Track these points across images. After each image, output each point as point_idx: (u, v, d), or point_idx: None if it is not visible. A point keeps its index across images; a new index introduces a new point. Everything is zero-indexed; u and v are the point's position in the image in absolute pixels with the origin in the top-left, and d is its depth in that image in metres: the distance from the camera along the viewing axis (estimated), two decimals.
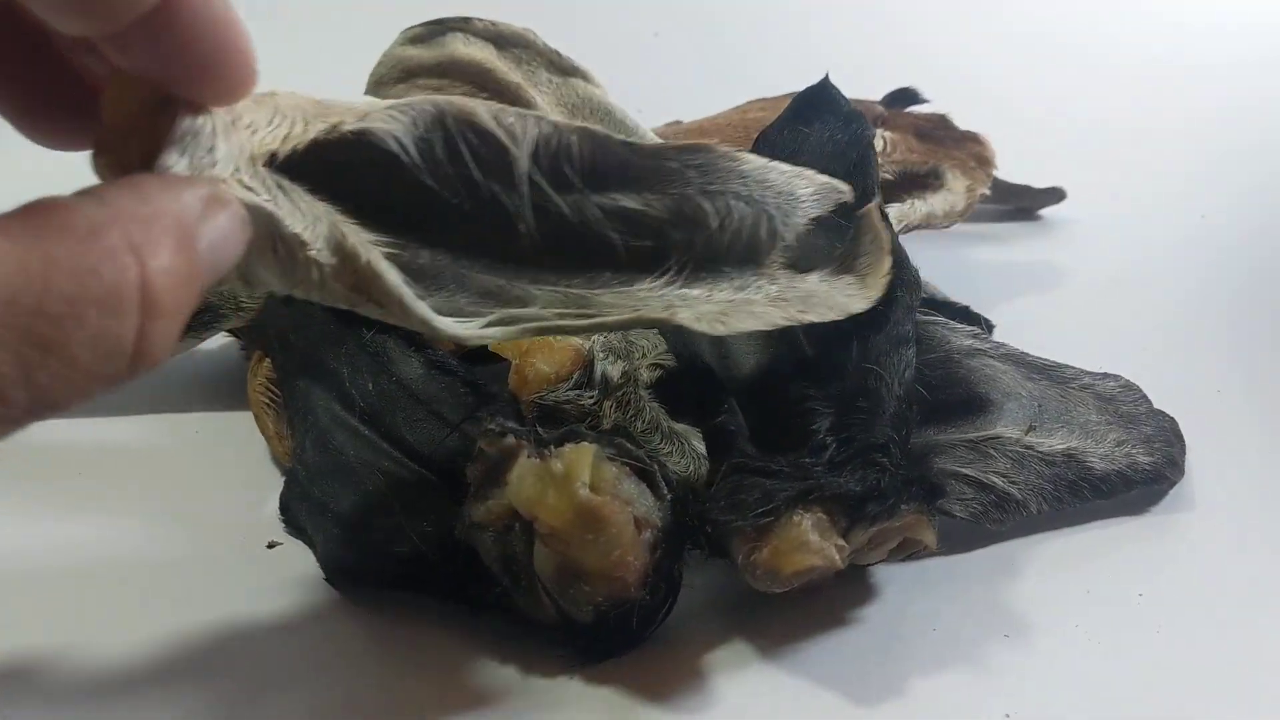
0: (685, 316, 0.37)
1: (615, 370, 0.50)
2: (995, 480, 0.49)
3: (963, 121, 0.71)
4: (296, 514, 0.50)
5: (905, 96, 0.72)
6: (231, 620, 0.46)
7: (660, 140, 0.65)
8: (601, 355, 0.51)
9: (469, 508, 0.42)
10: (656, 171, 0.37)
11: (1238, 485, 0.53)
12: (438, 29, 0.67)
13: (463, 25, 0.67)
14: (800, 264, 0.41)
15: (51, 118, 0.34)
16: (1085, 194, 0.82)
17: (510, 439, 0.41)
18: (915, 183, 0.66)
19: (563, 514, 0.39)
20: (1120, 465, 0.51)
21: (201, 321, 0.58)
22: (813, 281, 0.41)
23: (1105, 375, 0.55)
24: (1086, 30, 1.06)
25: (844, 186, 0.41)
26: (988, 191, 0.69)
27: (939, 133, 0.69)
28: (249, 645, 0.45)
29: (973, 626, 0.45)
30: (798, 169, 0.41)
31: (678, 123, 0.76)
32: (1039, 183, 0.82)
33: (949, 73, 0.84)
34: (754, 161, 0.39)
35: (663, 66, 1.01)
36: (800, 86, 0.71)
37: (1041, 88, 0.98)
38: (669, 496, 0.42)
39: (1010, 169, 0.76)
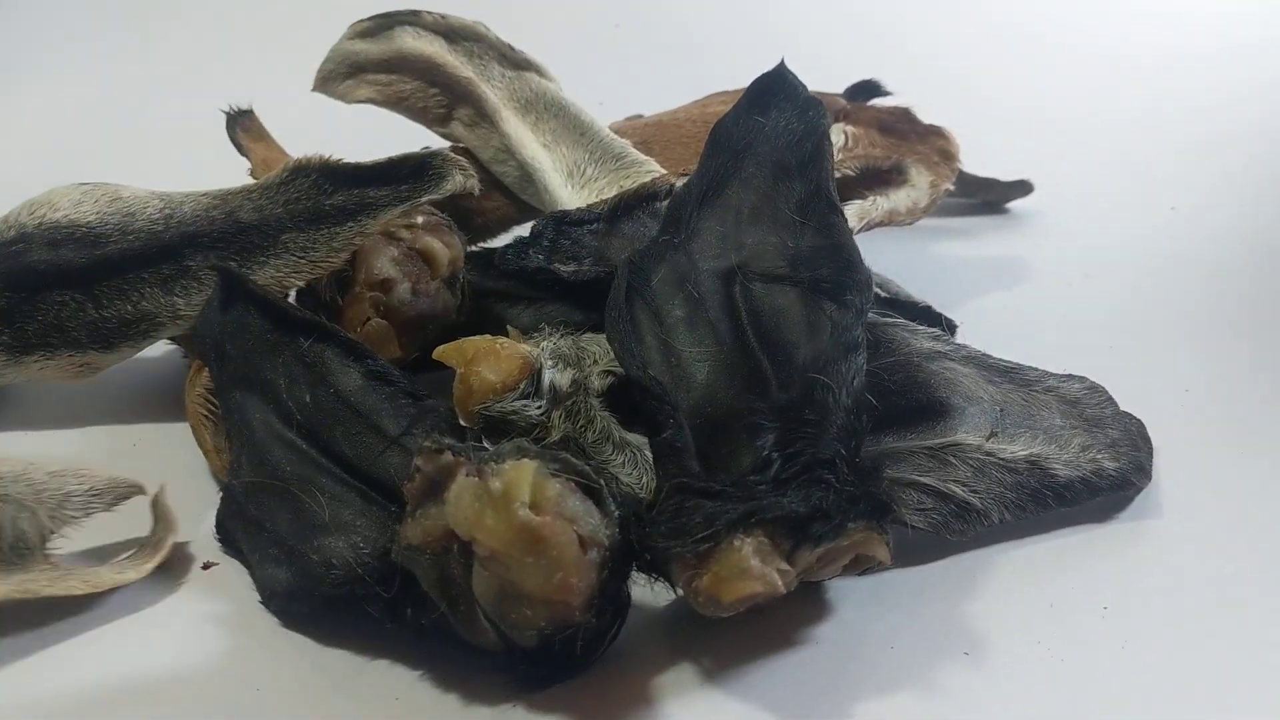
0: None
1: (564, 379, 0.48)
2: (955, 489, 0.47)
3: (927, 115, 0.69)
4: (233, 532, 0.48)
5: (868, 89, 0.71)
6: (163, 645, 0.44)
7: (613, 135, 0.63)
8: (550, 363, 0.49)
9: (405, 529, 0.40)
10: None
11: (1206, 490, 0.52)
12: (386, 22, 0.65)
13: (412, 18, 0.65)
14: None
15: None
16: (1053, 186, 0.81)
17: (448, 456, 0.39)
18: (878, 178, 0.64)
19: (501, 535, 0.37)
20: (1085, 472, 0.49)
21: (139, 330, 0.56)
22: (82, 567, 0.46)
23: (1070, 377, 0.53)
24: (1053, 21, 1.05)
25: (131, 484, 0.49)
26: (951, 187, 0.67)
27: (902, 126, 0.67)
28: (180, 672, 0.43)
29: (931, 645, 0.43)
30: (66, 470, 0.48)
31: (639, 116, 0.74)
32: (1006, 175, 0.81)
33: (913, 65, 0.83)
34: (13, 464, 0.47)
35: (624, 59, 0.99)
36: None
37: (1008, 79, 0.97)
38: (617, 514, 0.40)
39: (977, 161, 0.75)
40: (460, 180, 0.56)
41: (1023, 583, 0.46)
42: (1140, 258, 0.75)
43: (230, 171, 0.66)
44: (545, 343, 0.50)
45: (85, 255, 0.55)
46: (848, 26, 1.02)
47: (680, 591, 0.40)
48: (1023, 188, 0.81)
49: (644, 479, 0.47)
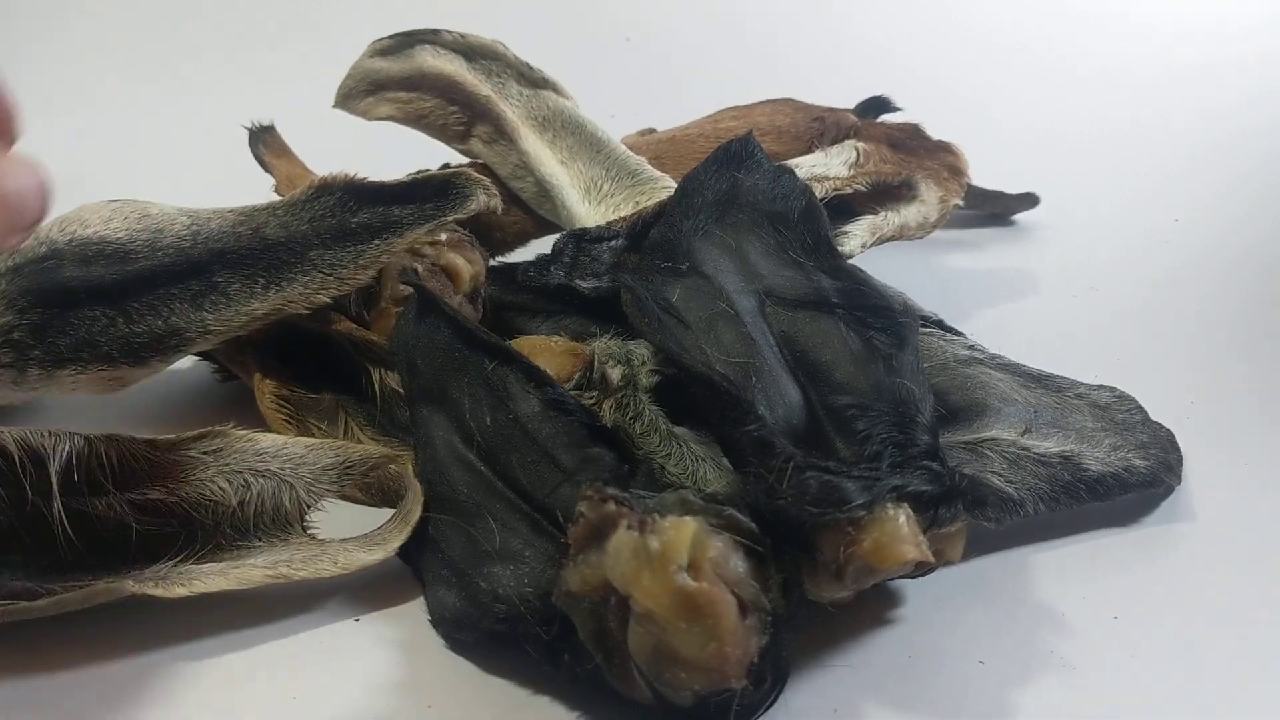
0: (145, 587, 0.43)
1: (615, 374, 0.51)
2: (992, 479, 0.49)
3: (936, 128, 0.70)
4: (409, 548, 0.48)
5: (878, 105, 0.72)
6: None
7: (629, 152, 0.65)
8: (602, 359, 0.51)
9: (566, 573, 0.40)
10: (177, 462, 0.46)
11: (1213, 501, 0.53)
12: (406, 41, 0.66)
13: (432, 37, 0.66)
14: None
15: None
16: (1059, 199, 0.82)
17: (610, 506, 0.39)
18: (888, 194, 0.65)
19: (657, 598, 0.37)
20: (1116, 468, 0.51)
21: (169, 345, 0.57)
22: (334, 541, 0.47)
23: (1100, 386, 0.55)
24: (1058, 36, 1.06)
25: (385, 455, 0.49)
26: (960, 202, 0.68)
27: (912, 143, 0.68)
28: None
29: (947, 652, 0.44)
30: (322, 443, 0.48)
31: (651, 130, 0.75)
32: (1013, 188, 0.82)
33: (922, 81, 0.84)
34: (273, 439, 0.48)
35: (636, 72, 1.00)
36: (773, 94, 0.72)
37: (1015, 93, 0.98)
38: (781, 577, 0.40)
39: (984, 174, 0.76)
40: (484, 200, 0.57)
41: (1034, 591, 0.47)
42: (1145, 269, 0.76)
43: (255, 185, 0.67)
44: (596, 343, 0.52)
45: (116, 271, 0.56)
46: (857, 43, 1.04)
47: (825, 560, 0.40)
48: (1029, 200, 0.82)
49: (689, 469, 0.48)
